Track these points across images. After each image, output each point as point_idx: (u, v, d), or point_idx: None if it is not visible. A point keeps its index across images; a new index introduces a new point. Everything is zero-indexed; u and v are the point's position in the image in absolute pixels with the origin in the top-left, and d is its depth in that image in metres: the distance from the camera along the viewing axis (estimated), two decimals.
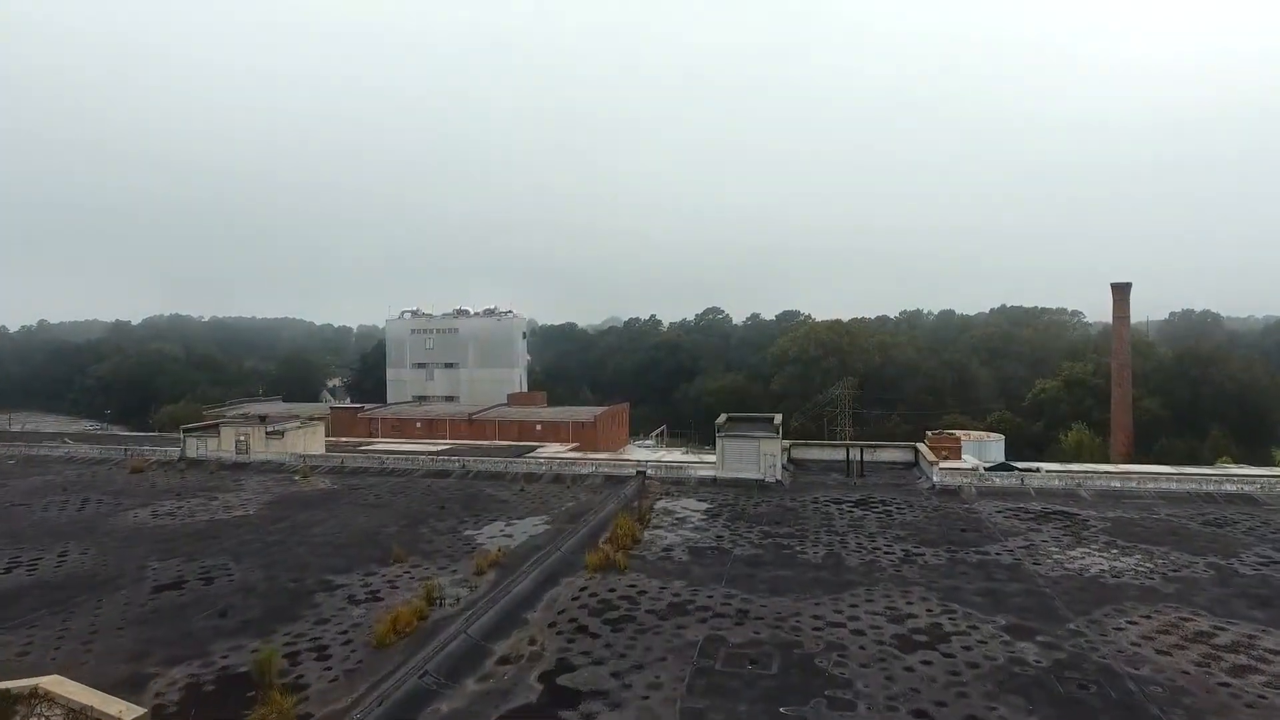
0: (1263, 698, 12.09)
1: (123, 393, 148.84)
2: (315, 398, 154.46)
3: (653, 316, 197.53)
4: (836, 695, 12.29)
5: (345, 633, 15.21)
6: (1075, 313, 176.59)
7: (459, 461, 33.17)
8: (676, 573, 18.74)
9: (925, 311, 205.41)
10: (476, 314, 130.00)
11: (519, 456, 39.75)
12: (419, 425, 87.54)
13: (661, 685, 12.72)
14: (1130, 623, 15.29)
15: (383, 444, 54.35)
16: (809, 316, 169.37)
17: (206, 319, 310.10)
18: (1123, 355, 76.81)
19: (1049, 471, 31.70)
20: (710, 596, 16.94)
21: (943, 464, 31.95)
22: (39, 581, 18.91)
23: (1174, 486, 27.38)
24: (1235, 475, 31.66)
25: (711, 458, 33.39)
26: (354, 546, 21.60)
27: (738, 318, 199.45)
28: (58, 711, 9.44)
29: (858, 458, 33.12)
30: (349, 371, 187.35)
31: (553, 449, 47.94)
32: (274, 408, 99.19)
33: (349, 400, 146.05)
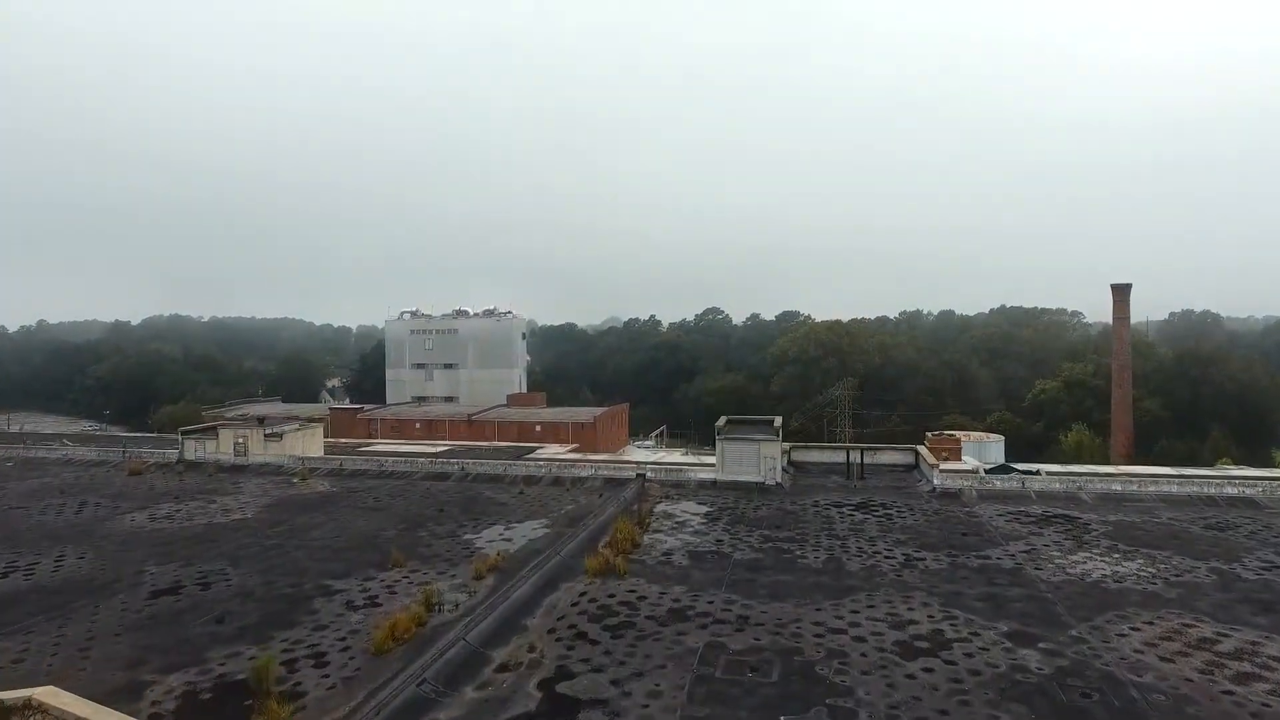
0: (1267, 706, 12.00)
1: (122, 393, 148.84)
2: (315, 398, 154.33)
3: (652, 317, 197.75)
4: (838, 704, 12.20)
5: (343, 639, 15.12)
6: (1075, 313, 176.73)
7: (458, 464, 33.08)
8: (676, 578, 18.66)
9: (925, 312, 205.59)
10: (476, 314, 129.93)
11: (518, 458, 39.68)
12: (418, 426, 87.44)
13: (661, 693, 12.63)
14: (1133, 629, 15.20)
15: (382, 445, 54.25)
16: (809, 317, 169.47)
17: (206, 319, 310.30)
18: (1123, 356, 76.76)
19: (1050, 474, 31.64)
20: (710, 602, 16.85)
21: (943, 466, 31.89)
22: (36, 586, 18.81)
23: (1175, 489, 27.30)
24: (1236, 478, 31.58)
25: (711, 459, 33.32)
26: (352, 551, 21.51)
27: (738, 318, 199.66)
28: None
29: (858, 460, 33.04)
30: (348, 372, 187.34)
31: (552, 450, 47.87)
32: (273, 408, 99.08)
33: (348, 401, 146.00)
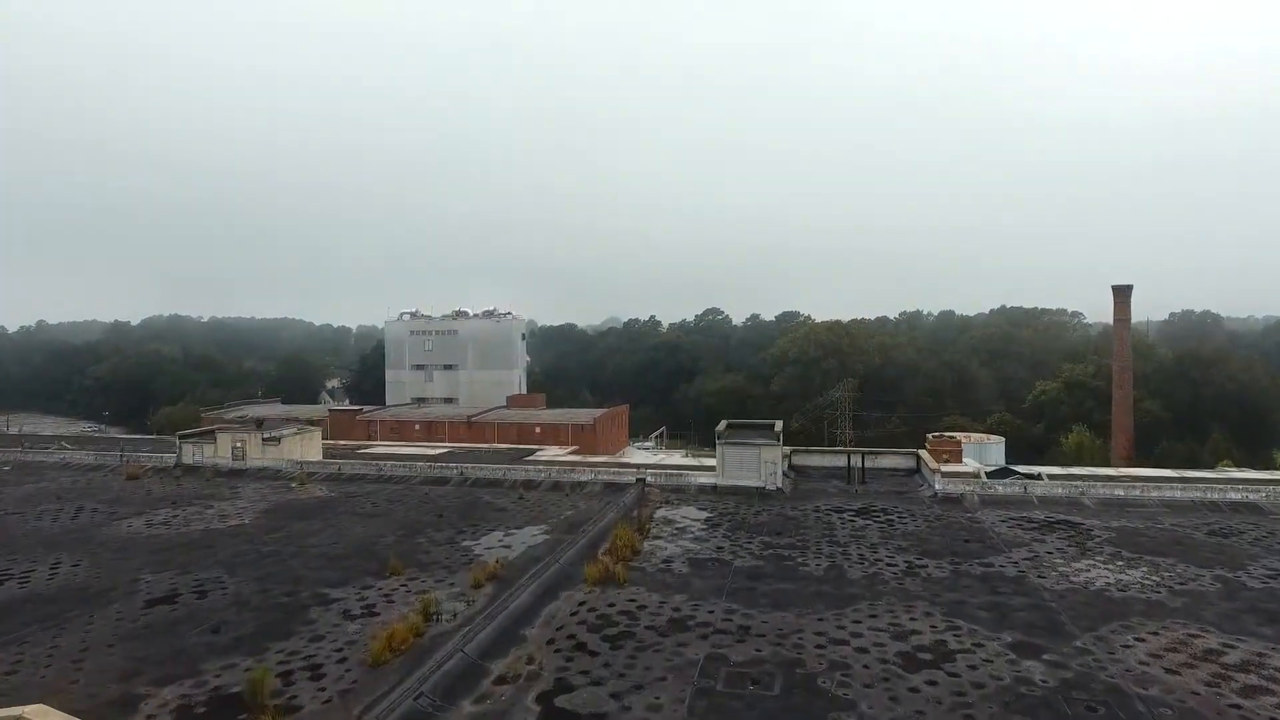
0: None
1: (121, 394, 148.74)
2: (314, 399, 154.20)
3: (652, 317, 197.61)
4: (840, 718, 12.04)
5: (340, 650, 14.96)
6: (1075, 313, 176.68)
7: (457, 468, 32.93)
8: (677, 586, 18.50)
9: (925, 312, 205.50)
10: (475, 315, 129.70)
11: (518, 461, 39.52)
12: (418, 428, 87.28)
13: (661, 707, 12.48)
14: (1138, 639, 15.05)
15: (381, 447, 54.08)
16: (809, 317, 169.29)
17: (206, 319, 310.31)
18: (1124, 358, 76.61)
19: (1051, 479, 31.48)
20: (711, 612, 16.70)
21: (944, 469, 31.73)
22: (31, 595, 18.65)
23: (1178, 494, 27.15)
24: (1239, 482, 31.43)
25: (711, 460, 33.18)
26: (350, 558, 21.35)
27: (737, 318, 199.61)
28: None
29: (859, 464, 32.87)
30: (348, 373, 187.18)
31: (552, 452, 47.65)
32: (273, 409, 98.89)
33: (348, 401, 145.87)
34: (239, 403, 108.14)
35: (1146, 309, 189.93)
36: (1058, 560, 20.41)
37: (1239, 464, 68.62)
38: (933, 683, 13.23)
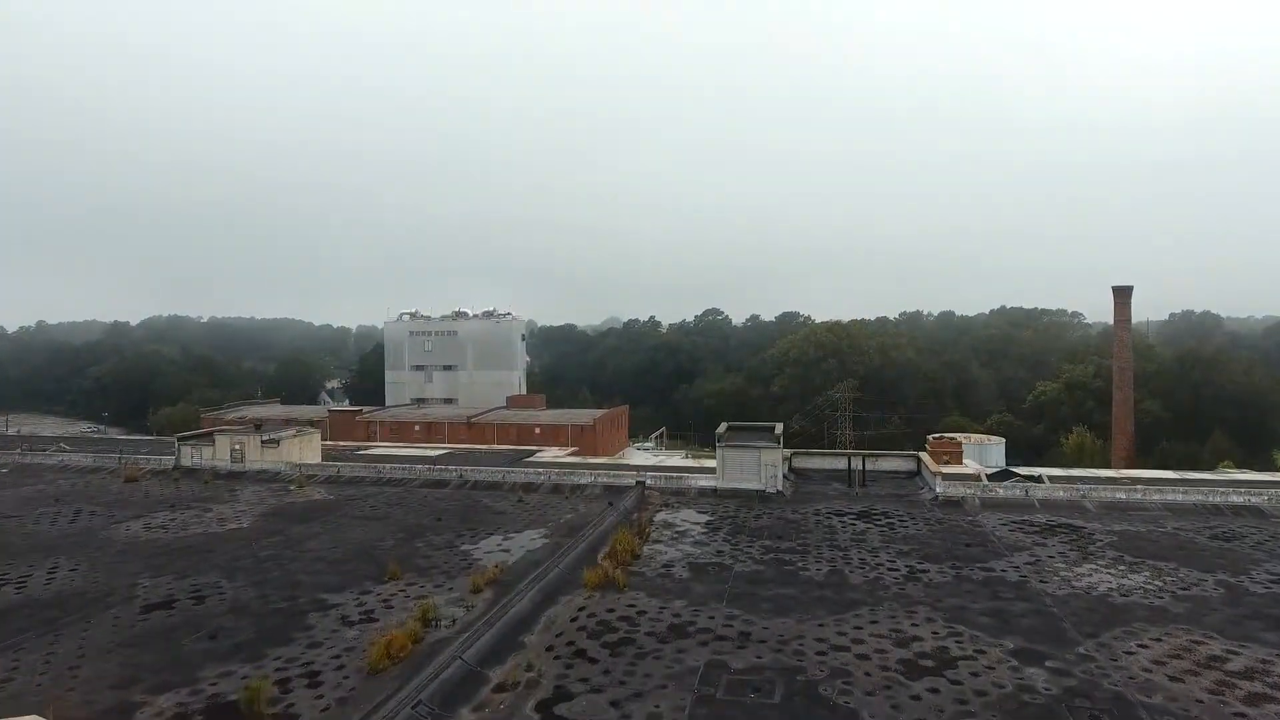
0: None
1: (120, 394, 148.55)
2: (314, 400, 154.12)
3: (652, 318, 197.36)
4: None
5: (338, 657, 14.86)
6: (1075, 314, 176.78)
7: (456, 471, 32.83)
8: (677, 591, 18.41)
9: (925, 313, 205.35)
10: (475, 316, 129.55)
11: (518, 462, 39.41)
12: (418, 429, 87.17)
13: (661, 715, 12.38)
14: (1141, 646, 14.96)
15: (381, 448, 53.99)
16: (809, 318, 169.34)
17: (205, 319, 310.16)
18: (1124, 359, 76.50)
19: (1052, 480, 31.40)
20: (711, 618, 16.60)
21: (945, 470, 31.64)
22: (28, 600, 18.55)
23: (1180, 498, 27.06)
24: (1241, 484, 31.35)
25: (711, 461, 33.10)
26: (349, 562, 21.25)
27: (737, 319, 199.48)
28: None
29: (859, 467, 32.78)
30: (347, 373, 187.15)
31: (552, 453, 47.55)
32: (272, 410, 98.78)
33: (348, 402, 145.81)
34: (238, 403, 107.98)
35: (1147, 309, 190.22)
36: (1059, 565, 20.32)
37: (1239, 465, 68.53)
38: (934, 690, 13.14)
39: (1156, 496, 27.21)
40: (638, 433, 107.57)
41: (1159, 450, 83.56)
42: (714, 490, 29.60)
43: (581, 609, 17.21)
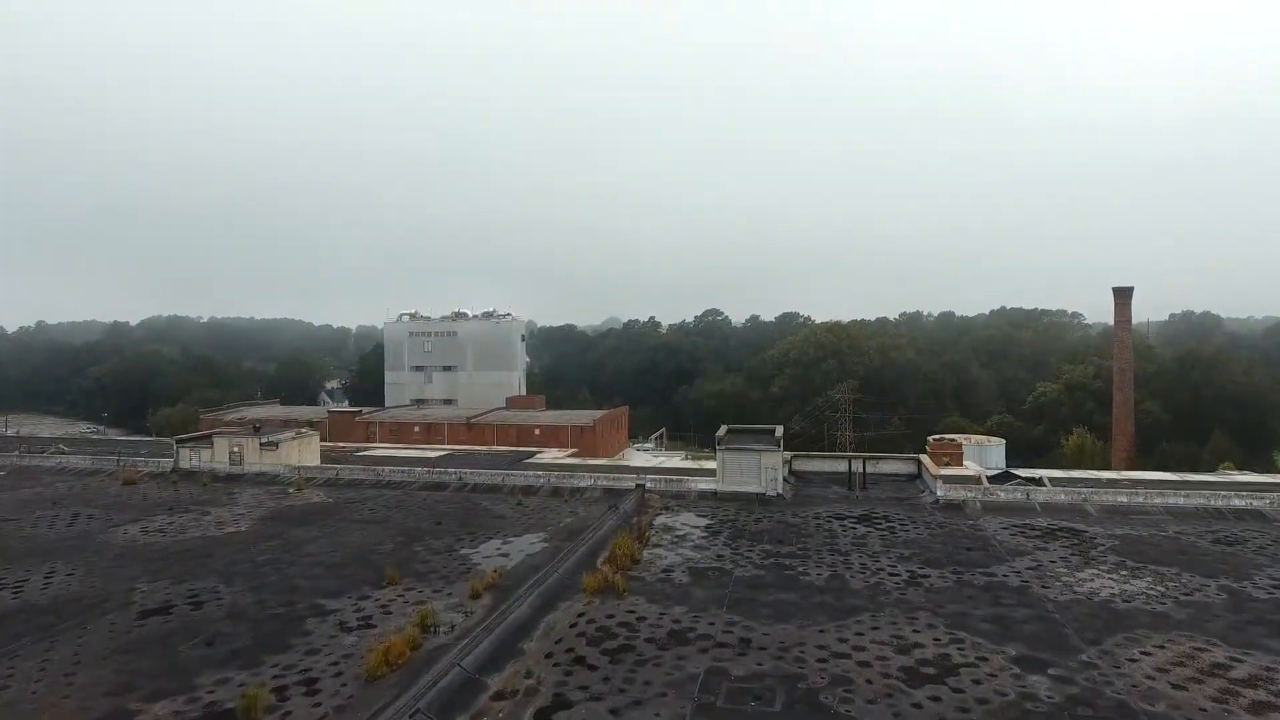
0: None
1: (120, 395, 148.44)
2: (314, 400, 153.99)
3: (652, 318, 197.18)
4: None
5: (336, 664, 14.76)
6: (1075, 314, 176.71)
7: (456, 473, 32.73)
8: (676, 596, 18.31)
9: (925, 313, 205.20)
10: (475, 316, 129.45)
11: (518, 463, 39.32)
12: (417, 430, 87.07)
13: None
14: (1144, 653, 14.86)
15: (380, 449, 53.88)
16: (808, 318, 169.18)
17: (205, 319, 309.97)
18: (1124, 360, 76.40)
19: (1053, 483, 31.30)
20: (712, 624, 16.51)
21: (945, 472, 31.56)
22: (25, 605, 18.45)
23: (1182, 501, 26.96)
24: (1243, 487, 31.26)
25: (711, 462, 33.01)
26: (347, 567, 21.15)
27: (737, 319, 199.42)
28: None
29: (859, 469, 32.68)
30: (347, 373, 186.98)
31: (551, 454, 47.45)
32: (271, 411, 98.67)
33: (347, 403, 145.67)
34: (238, 404, 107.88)
35: (1146, 309, 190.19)
36: (1061, 569, 20.22)
37: (1239, 466, 68.42)
38: (936, 698, 13.05)
39: (1158, 500, 27.11)
40: (637, 433, 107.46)
41: (1159, 451, 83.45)
42: (714, 493, 29.50)
43: (581, 615, 17.11)
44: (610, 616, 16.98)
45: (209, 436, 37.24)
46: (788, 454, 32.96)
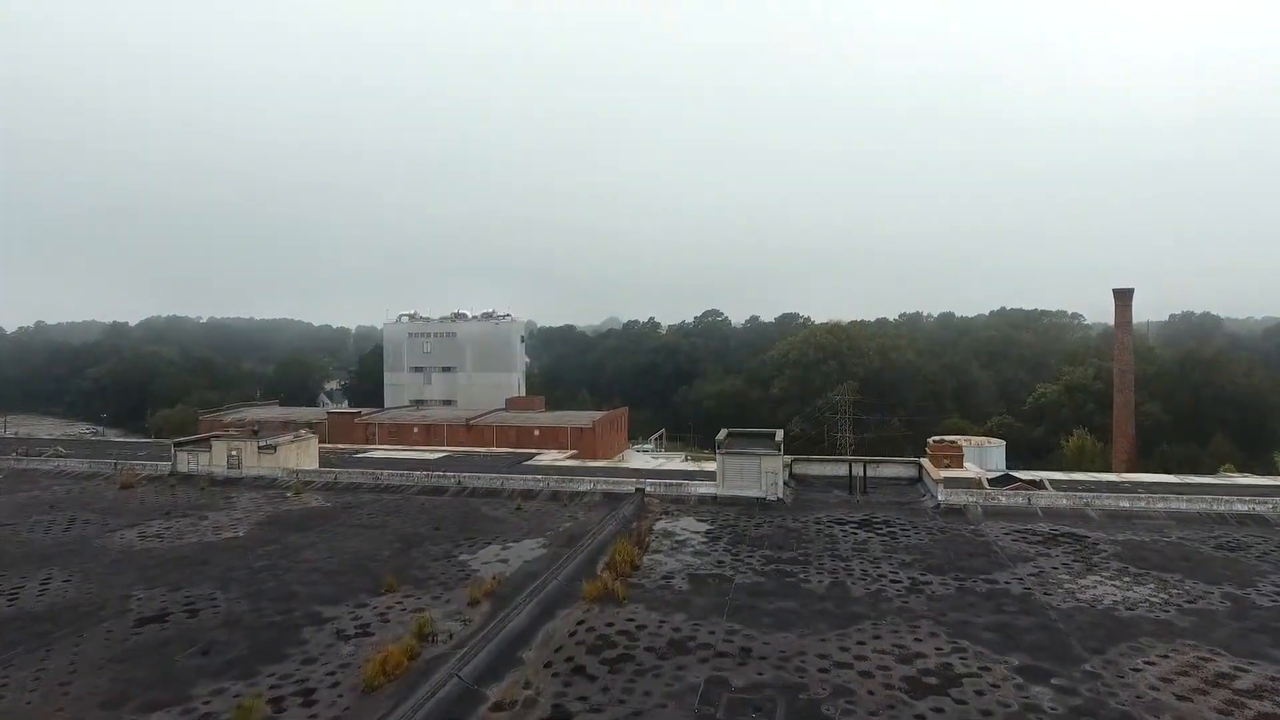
0: None
1: (119, 396, 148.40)
2: (313, 401, 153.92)
3: (651, 319, 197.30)
4: None
5: (333, 674, 14.63)
6: (1075, 315, 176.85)
7: (454, 477, 32.62)
8: (677, 604, 18.18)
9: (925, 314, 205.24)
10: (474, 317, 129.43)
11: (517, 464, 39.23)
12: (416, 431, 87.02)
13: None
14: (1148, 663, 14.74)
15: (379, 451, 53.81)
16: (808, 319, 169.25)
17: (204, 320, 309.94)
18: (1125, 362, 76.37)
19: (1054, 485, 31.25)
20: (712, 632, 16.37)
21: (946, 475, 31.44)
22: (20, 612, 18.32)
23: (1184, 506, 26.86)
24: (1244, 488, 31.20)
25: (712, 464, 32.90)
26: (345, 574, 21.02)
27: (737, 320, 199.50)
28: None
29: (860, 473, 32.57)
30: (347, 374, 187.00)
31: (551, 456, 47.34)
32: (271, 412, 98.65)
33: (347, 404, 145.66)
34: (237, 405, 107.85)
35: (1146, 310, 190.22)
36: (1063, 576, 20.10)
37: (1240, 467, 68.38)
38: (939, 710, 12.92)
39: (1160, 505, 27.01)
40: (637, 434, 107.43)
41: (1159, 453, 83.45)
42: (714, 497, 29.39)
43: (580, 623, 16.99)
44: (610, 625, 16.85)
45: (207, 439, 37.12)
46: (788, 458, 32.85)
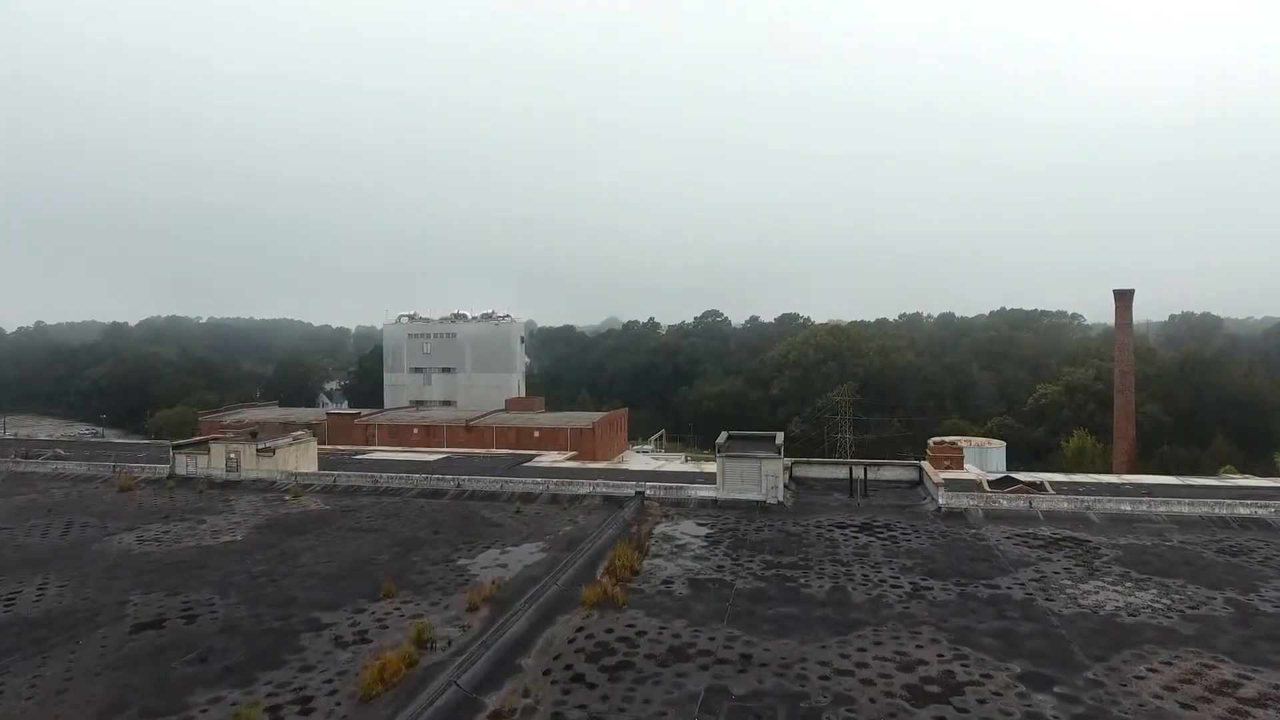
0: None
1: (119, 396, 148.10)
2: (313, 401, 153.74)
3: (651, 319, 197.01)
4: None
5: (330, 681, 14.53)
6: (1075, 315, 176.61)
7: (454, 480, 32.50)
8: (676, 610, 18.08)
9: (925, 314, 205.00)
10: (474, 318, 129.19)
11: (516, 466, 39.12)
12: (416, 432, 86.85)
13: None
14: (1151, 670, 14.64)
15: (379, 452, 53.68)
16: (808, 319, 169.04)
17: (204, 320, 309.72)
18: (1125, 363, 76.19)
19: (1055, 488, 31.14)
20: (712, 639, 16.27)
21: (946, 476, 31.36)
22: (16, 618, 18.21)
23: (1186, 510, 26.76)
24: (1246, 491, 31.09)
25: (711, 466, 32.79)
26: (343, 578, 20.91)
27: (737, 320, 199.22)
28: None
29: (860, 476, 32.46)
30: (346, 375, 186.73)
31: (551, 457, 47.22)
32: (270, 413, 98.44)
33: (346, 404, 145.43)
34: (237, 406, 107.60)
35: (1147, 310, 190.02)
36: (1065, 581, 20.00)
37: (1240, 468, 68.27)
38: (941, 719, 12.82)
39: (1162, 508, 26.91)
40: (637, 435, 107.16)
41: (1160, 454, 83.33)
42: (714, 501, 29.28)
43: (580, 629, 16.89)
44: (609, 631, 16.75)
45: (206, 442, 37.00)
46: (788, 460, 32.75)
